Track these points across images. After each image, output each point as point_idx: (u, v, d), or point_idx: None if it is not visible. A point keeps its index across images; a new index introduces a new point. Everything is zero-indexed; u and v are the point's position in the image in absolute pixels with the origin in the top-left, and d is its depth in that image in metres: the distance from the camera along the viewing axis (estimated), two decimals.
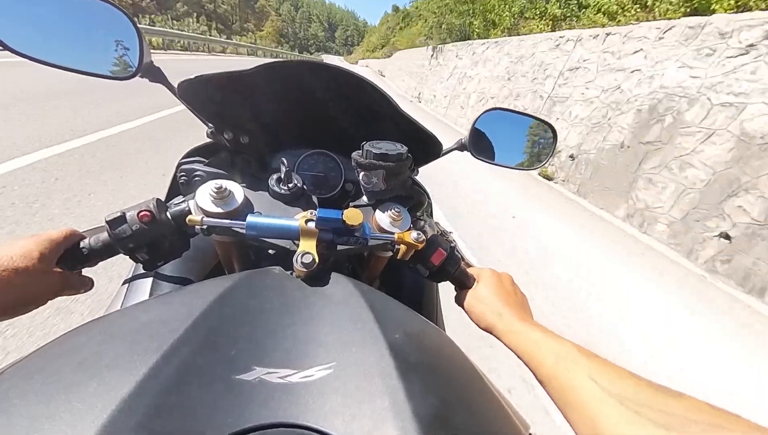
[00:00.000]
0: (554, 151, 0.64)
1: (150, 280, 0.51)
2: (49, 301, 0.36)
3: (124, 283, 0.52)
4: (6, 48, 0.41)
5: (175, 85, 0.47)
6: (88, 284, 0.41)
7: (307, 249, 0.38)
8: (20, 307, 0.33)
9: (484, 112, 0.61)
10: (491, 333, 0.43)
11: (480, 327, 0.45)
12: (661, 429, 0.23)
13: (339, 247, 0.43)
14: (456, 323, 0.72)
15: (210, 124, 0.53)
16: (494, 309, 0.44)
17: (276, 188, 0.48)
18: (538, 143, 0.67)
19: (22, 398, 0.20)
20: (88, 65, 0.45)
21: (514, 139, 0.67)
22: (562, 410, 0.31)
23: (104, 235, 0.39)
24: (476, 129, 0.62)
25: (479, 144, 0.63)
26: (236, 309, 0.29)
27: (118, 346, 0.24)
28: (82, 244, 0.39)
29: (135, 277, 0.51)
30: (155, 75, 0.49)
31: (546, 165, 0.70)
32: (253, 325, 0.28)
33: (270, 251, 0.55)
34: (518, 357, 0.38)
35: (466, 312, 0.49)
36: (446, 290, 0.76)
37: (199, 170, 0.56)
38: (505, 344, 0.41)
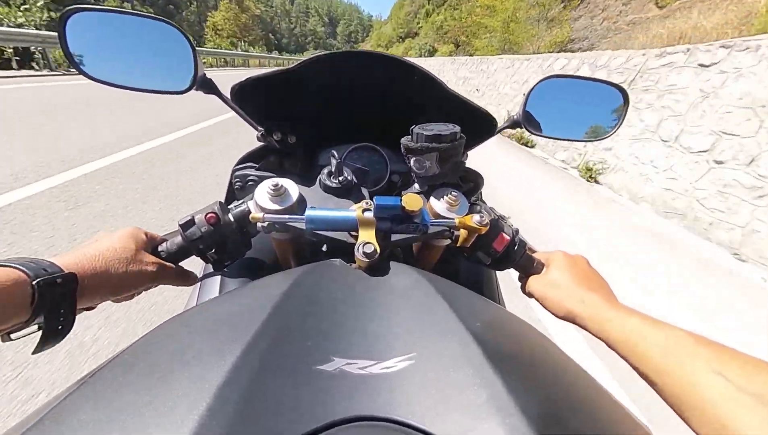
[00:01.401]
0: (625, 115, 0.56)
1: (218, 278, 0.54)
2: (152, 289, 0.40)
3: (197, 282, 0.56)
4: (83, 74, 0.46)
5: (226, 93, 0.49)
6: (187, 277, 0.44)
7: (368, 239, 0.37)
8: (124, 289, 0.36)
9: (539, 82, 0.56)
10: (573, 322, 0.39)
11: (557, 316, 0.41)
12: None
13: (398, 236, 0.41)
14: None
15: (260, 128, 0.55)
16: (574, 295, 0.39)
17: (327, 182, 0.48)
18: (603, 109, 0.60)
19: (127, 387, 0.21)
20: (150, 83, 0.49)
21: (574, 109, 0.60)
22: (679, 412, 0.26)
23: (178, 239, 0.42)
24: (530, 102, 0.56)
25: (534, 117, 0.57)
26: (304, 302, 0.29)
27: (203, 339, 0.24)
28: (160, 248, 0.42)
29: (205, 277, 0.55)
30: (208, 87, 0.51)
31: (616, 132, 0.61)
32: (323, 317, 0.27)
33: (323, 249, 0.56)
34: (612, 349, 0.33)
35: (537, 300, 0.45)
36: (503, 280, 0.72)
37: (251, 175, 0.58)
38: (592, 334, 0.36)
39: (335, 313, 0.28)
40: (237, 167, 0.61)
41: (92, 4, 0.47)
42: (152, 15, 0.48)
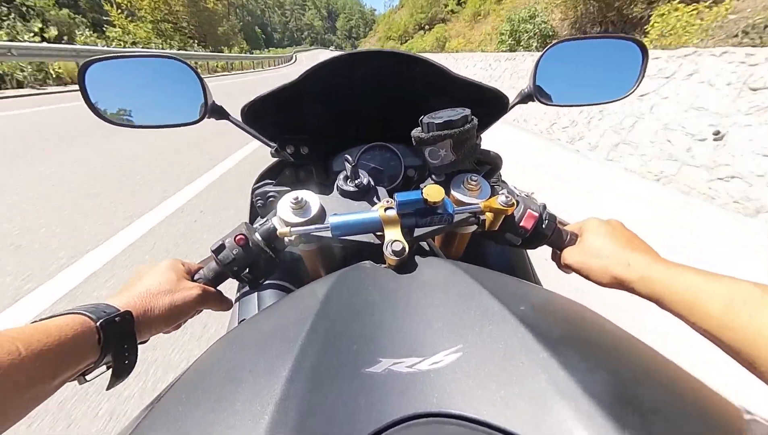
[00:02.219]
0: (645, 70, 0.53)
1: (255, 296, 0.56)
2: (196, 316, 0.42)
3: (235, 302, 0.58)
4: (107, 121, 0.48)
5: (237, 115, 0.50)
6: (226, 302, 0.46)
7: (395, 237, 0.36)
8: (173, 318, 0.38)
9: (545, 51, 0.54)
10: (621, 287, 0.37)
11: (603, 284, 0.38)
12: None
13: (423, 231, 0.40)
14: None
15: (272, 144, 0.56)
16: (619, 259, 0.37)
17: (344, 187, 0.48)
18: (620, 67, 0.56)
19: (190, 412, 0.22)
20: (165, 118, 0.51)
21: (588, 72, 0.57)
22: (751, 368, 0.24)
23: (213, 264, 0.43)
24: (540, 73, 0.54)
25: (546, 87, 0.55)
26: (342, 307, 0.29)
27: (253, 356, 0.25)
28: (197, 276, 0.43)
29: (242, 295, 0.57)
30: (219, 113, 0.53)
31: (636, 89, 0.57)
32: (363, 320, 0.27)
33: (351, 253, 0.56)
34: (667, 309, 0.31)
35: (578, 272, 0.42)
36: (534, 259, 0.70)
37: (271, 191, 0.60)
38: (644, 296, 0.34)
39: (374, 315, 0.28)
40: (256, 186, 0.63)
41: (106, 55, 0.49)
42: (160, 53, 0.50)
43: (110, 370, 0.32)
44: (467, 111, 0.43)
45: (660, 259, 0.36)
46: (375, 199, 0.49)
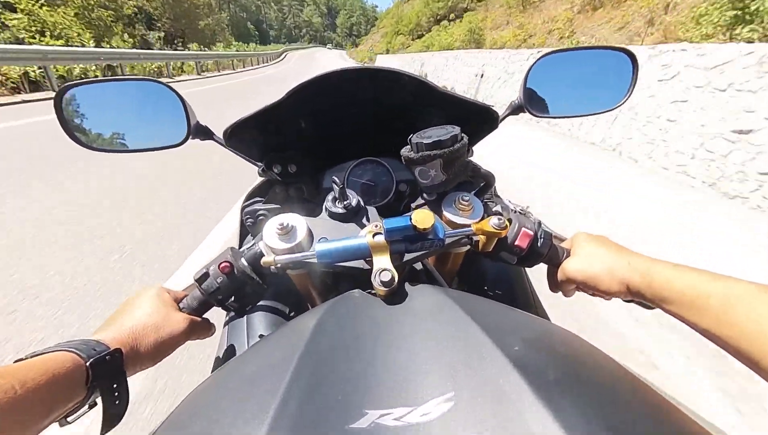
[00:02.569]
0: (636, 80, 0.52)
1: (244, 320, 0.54)
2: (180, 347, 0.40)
3: (223, 327, 0.56)
4: (85, 147, 0.47)
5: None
6: (210, 329, 0.44)
7: (383, 265, 0.35)
8: (161, 354, 0.37)
9: (534, 62, 0.53)
10: (627, 293, 0.35)
11: (611, 292, 0.37)
12: None
13: (414, 255, 0.39)
14: None
15: (259, 164, 0.55)
16: (620, 262, 0.36)
17: (333, 208, 0.47)
18: (611, 77, 0.55)
19: None
20: (148, 142, 0.50)
21: (578, 82, 0.56)
22: (750, 365, 0.24)
23: (197, 292, 0.42)
24: (529, 84, 0.53)
25: (536, 99, 0.54)
26: (329, 347, 0.28)
27: (234, 404, 0.23)
28: (182, 305, 0.42)
29: (230, 321, 0.55)
30: (204, 133, 0.52)
31: (628, 99, 0.56)
32: (350, 361, 0.26)
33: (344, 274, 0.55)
34: (668, 311, 0.31)
35: (580, 285, 0.41)
36: (531, 272, 0.68)
37: (260, 210, 0.58)
38: (647, 300, 0.33)
39: (363, 353, 0.27)
40: (245, 204, 0.62)
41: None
42: (139, 76, 0.49)
43: (92, 409, 0.30)
44: (457, 129, 0.42)
45: (656, 259, 0.35)
46: (365, 221, 0.47)
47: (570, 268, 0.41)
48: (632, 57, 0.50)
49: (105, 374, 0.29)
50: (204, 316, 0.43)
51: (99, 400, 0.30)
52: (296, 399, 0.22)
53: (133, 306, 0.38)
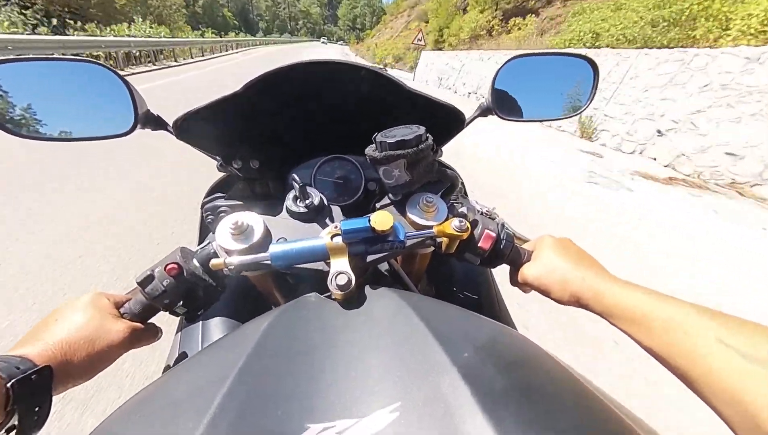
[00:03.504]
0: (596, 86, 0.54)
1: (200, 324, 0.51)
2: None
3: (177, 333, 0.52)
4: (12, 133, 0.42)
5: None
6: (156, 333, 0.41)
7: (340, 268, 0.34)
8: (96, 368, 0.34)
9: (503, 65, 0.53)
10: (577, 304, 0.37)
11: (561, 301, 0.38)
12: None
13: (373, 258, 0.38)
14: None
15: (217, 157, 0.52)
16: (574, 275, 0.37)
17: (293, 208, 0.45)
18: (573, 83, 0.57)
19: None
20: (88, 130, 0.45)
21: (542, 87, 0.57)
22: (687, 384, 0.25)
23: (140, 297, 0.38)
24: (498, 87, 0.54)
25: (504, 103, 0.55)
26: (275, 357, 0.26)
27: (160, 427, 0.21)
28: (123, 310, 0.38)
29: (184, 326, 0.51)
30: (155, 123, 0.48)
31: (589, 106, 0.59)
32: (297, 373, 0.25)
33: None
34: (615, 325, 0.32)
35: (536, 289, 0.42)
36: (500, 270, 0.69)
37: (222, 206, 0.55)
38: (595, 312, 0.34)
39: (311, 364, 0.25)
40: (206, 200, 0.58)
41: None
42: (79, 58, 0.44)
43: (11, 432, 0.27)
44: (422, 129, 0.41)
45: (610, 275, 0.36)
46: (327, 221, 0.46)
47: (527, 272, 0.42)
48: (593, 65, 0.51)
49: (28, 395, 0.26)
50: (151, 320, 0.40)
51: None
52: (229, 417, 0.21)
53: (63, 316, 0.34)
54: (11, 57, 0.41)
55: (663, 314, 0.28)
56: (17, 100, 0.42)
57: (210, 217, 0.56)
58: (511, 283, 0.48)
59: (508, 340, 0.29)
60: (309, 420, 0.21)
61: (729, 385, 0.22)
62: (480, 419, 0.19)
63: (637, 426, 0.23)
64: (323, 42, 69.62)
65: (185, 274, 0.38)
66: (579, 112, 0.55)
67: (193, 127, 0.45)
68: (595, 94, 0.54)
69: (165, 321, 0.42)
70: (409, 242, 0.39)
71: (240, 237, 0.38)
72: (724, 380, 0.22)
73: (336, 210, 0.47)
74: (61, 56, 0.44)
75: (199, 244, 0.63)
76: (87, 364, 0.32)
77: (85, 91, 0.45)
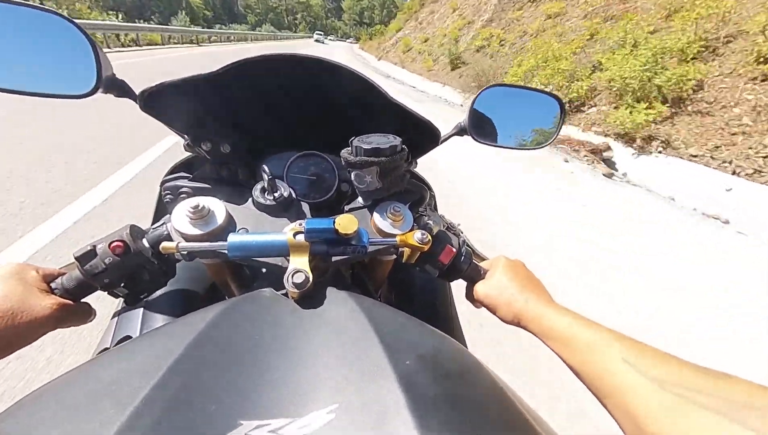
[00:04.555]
0: (561, 125, 0.58)
1: (140, 310, 0.48)
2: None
3: (113, 317, 0.49)
4: None
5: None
6: (88, 314, 0.38)
7: (299, 266, 0.34)
8: (14, 345, 0.31)
9: (483, 90, 0.56)
10: (518, 324, 0.40)
11: (505, 320, 0.41)
12: (710, 413, 0.20)
13: (335, 259, 0.38)
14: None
15: (185, 136, 0.49)
16: (518, 297, 0.40)
17: (261, 199, 0.44)
18: (543, 117, 0.61)
19: None
20: (41, 85, 0.41)
21: (517, 117, 0.61)
22: (600, 400, 0.28)
23: (76, 273, 0.35)
24: (475, 110, 0.56)
25: (480, 126, 0.57)
26: (218, 349, 0.25)
27: (72, 418, 0.20)
28: (54, 285, 0.35)
29: (123, 310, 0.48)
30: (120, 89, 0.44)
31: (552, 142, 0.64)
32: (239, 368, 0.24)
33: (263, 269, 0.52)
34: (547, 345, 0.36)
35: (485, 306, 0.45)
36: (458, 283, 0.72)
37: (184, 187, 0.52)
38: (533, 333, 0.37)
39: (254, 360, 0.25)
40: (167, 178, 0.55)
41: None
42: (38, 6, 0.40)
43: None
44: (398, 140, 0.42)
45: (550, 301, 0.40)
46: (295, 216, 0.45)
47: (479, 290, 0.45)
48: (560, 103, 0.56)
49: None
50: (85, 299, 0.37)
51: None
52: (156, 410, 0.20)
53: None
54: None
55: (584, 337, 0.31)
56: None
57: (169, 196, 0.53)
58: (466, 298, 0.50)
59: (450, 352, 0.30)
60: (243, 417, 0.21)
61: (627, 399, 0.25)
62: (410, 424, 0.20)
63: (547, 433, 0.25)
64: (318, 39, 47.06)
65: (132, 253, 0.36)
66: (543, 146, 0.60)
67: (162, 101, 0.43)
68: (559, 131, 0.58)
69: (100, 302, 0.39)
70: (371, 248, 0.39)
71: (199, 222, 0.37)
72: (625, 395, 0.25)
73: (305, 207, 0.47)
74: (20, 1, 0.39)
75: (153, 223, 0.59)
76: (4, 340, 0.29)
77: (43, 42, 0.41)
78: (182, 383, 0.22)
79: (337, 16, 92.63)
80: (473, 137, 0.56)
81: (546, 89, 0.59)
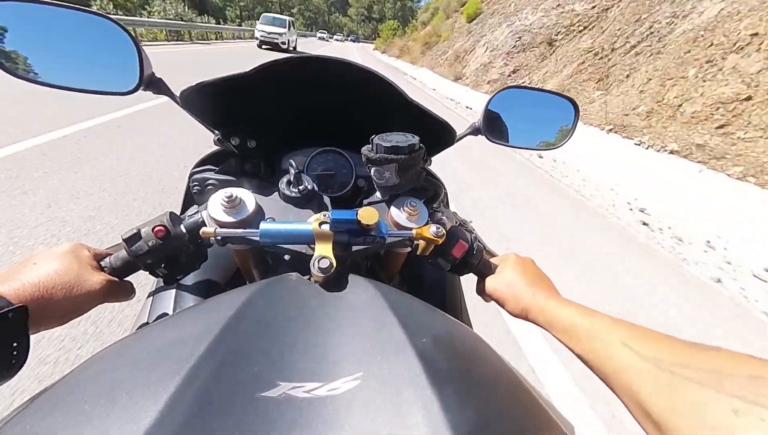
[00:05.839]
0: (576, 126, 0.60)
1: (173, 291, 0.52)
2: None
3: (148, 296, 0.53)
4: (9, 72, 0.41)
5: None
6: (130, 291, 0.42)
7: (324, 253, 0.36)
8: (71, 314, 0.34)
9: (498, 91, 0.58)
10: (526, 317, 0.42)
11: (513, 314, 0.44)
12: (696, 386, 0.22)
13: (355, 248, 0.41)
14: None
15: (216, 132, 0.53)
16: (526, 292, 0.42)
17: (287, 191, 0.47)
18: (557, 120, 0.63)
19: (48, 430, 0.19)
20: (89, 83, 0.45)
21: (531, 118, 0.63)
22: (606, 384, 0.30)
23: (123, 253, 0.39)
24: (489, 111, 0.58)
25: (494, 126, 0.59)
26: (255, 323, 0.29)
27: (137, 372, 0.23)
28: (103, 263, 0.39)
29: (158, 290, 0.52)
30: (158, 87, 0.48)
31: (567, 142, 0.65)
32: (274, 338, 0.27)
33: (286, 257, 0.55)
34: (554, 335, 0.38)
35: (494, 300, 0.47)
36: (466, 279, 0.74)
37: (210, 178, 0.56)
38: (540, 325, 0.40)
39: (286, 333, 0.28)
40: (195, 170, 0.59)
41: None
42: (90, 10, 0.44)
43: None
44: (416, 139, 0.45)
45: (556, 294, 0.42)
46: (317, 208, 0.48)
47: (489, 285, 0.47)
48: (575, 105, 0.57)
49: (4, 332, 0.27)
50: (128, 278, 0.41)
51: None
52: (206, 370, 0.23)
53: (43, 260, 0.34)
54: None
55: (586, 324, 0.33)
56: (19, 40, 0.41)
57: (197, 187, 0.56)
58: (476, 292, 0.53)
59: (462, 335, 0.33)
60: (280, 378, 0.24)
61: (627, 380, 0.26)
62: (428, 392, 0.22)
63: (554, 414, 0.27)
64: (323, 37, 40.78)
65: (171, 237, 0.39)
66: (559, 146, 0.61)
67: (199, 100, 0.46)
68: (573, 133, 0.60)
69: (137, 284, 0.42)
70: (389, 239, 0.42)
71: (232, 210, 0.40)
72: (625, 376, 0.27)
73: (326, 200, 0.50)
74: (74, 5, 0.43)
75: (181, 212, 0.63)
76: (62, 309, 0.33)
77: (92, 43, 0.45)
78: (229, 348, 0.25)
79: (342, 10, 77.03)
80: (487, 137, 0.58)
81: (561, 92, 0.60)
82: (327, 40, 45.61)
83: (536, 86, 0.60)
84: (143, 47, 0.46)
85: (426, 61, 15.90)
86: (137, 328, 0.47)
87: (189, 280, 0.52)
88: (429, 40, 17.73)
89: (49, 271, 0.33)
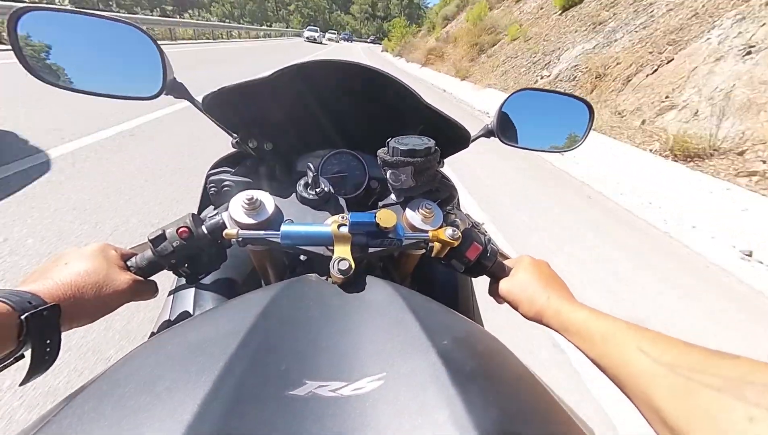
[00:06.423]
0: (590, 128, 0.59)
1: (193, 290, 0.53)
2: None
3: (169, 295, 0.54)
4: (39, 78, 0.43)
5: (200, 100, 0.47)
6: (154, 290, 0.43)
7: (343, 255, 0.37)
8: (100, 312, 0.36)
9: (511, 94, 0.58)
10: (540, 321, 0.42)
11: (528, 317, 0.43)
12: (713, 392, 0.21)
13: (372, 250, 0.42)
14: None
15: (234, 135, 0.54)
16: (540, 295, 0.42)
17: (304, 194, 0.48)
18: (571, 122, 0.62)
19: (96, 423, 0.21)
20: (115, 88, 0.47)
21: (545, 121, 0.63)
22: (620, 389, 0.30)
23: (149, 253, 0.41)
24: (503, 113, 0.58)
25: (507, 128, 0.59)
26: (280, 322, 0.29)
27: (174, 368, 0.24)
28: (129, 263, 0.40)
29: (178, 289, 0.54)
30: (179, 91, 0.50)
31: (582, 144, 0.64)
32: (298, 337, 0.28)
33: (302, 257, 0.56)
34: (568, 339, 0.37)
35: (508, 303, 0.47)
36: (476, 280, 0.74)
37: (227, 180, 0.57)
38: (554, 328, 0.39)
39: (310, 332, 0.29)
40: (212, 172, 0.60)
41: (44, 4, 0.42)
42: (116, 18, 0.45)
43: (18, 362, 0.29)
44: (432, 142, 0.45)
45: (571, 298, 0.42)
46: (333, 210, 0.49)
47: (503, 287, 0.47)
48: (590, 107, 0.57)
49: (39, 329, 0.29)
50: (152, 278, 0.42)
51: (27, 353, 0.29)
52: (240, 366, 0.24)
53: (73, 260, 0.36)
54: (42, 5, 0.42)
55: (601, 329, 0.33)
56: (59, 51, 0.43)
57: (213, 189, 0.58)
58: (489, 294, 0.53)
59: (480, 336, 0.33)
60: (307, 377, 0.24)
61: (642, 384, 0.26)
62: (451, 391, 0.23)
63: (575, 418, 0.28)
64: (310, 37, 34.05)
65: (194, 238, 0.41)
66: (572, 148, 0.61)
67: (220, 104, 0.47)
68: (588, 134, 0.59)
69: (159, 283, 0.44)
70: (405, 241, 0.43)
71: (252, 212, 0.41)
72: (640, 381, 0.27)
73: (342, 202, 0.51)
74: (101, 14, 0.45)
75: (199, 212, 0.65)
76: (92, 308, 0.34)
77: (119, 50, 0.46)
78: (258, 346, 0.26)
79: (344, 8, 69.71)
80: (500, 139, 0.58)
81: (575, 94, 0.60)
82: (318, 42, 34.53)
83: (551, 89, 0.60)
84: (166, 55, 0.47)
85: (483, 73, 9.23)
86: (160, 325, 0.49)
87: (208, 279, 0.54)
88: (477, 40, 10.85)
89: (80, 271, 0.34)
